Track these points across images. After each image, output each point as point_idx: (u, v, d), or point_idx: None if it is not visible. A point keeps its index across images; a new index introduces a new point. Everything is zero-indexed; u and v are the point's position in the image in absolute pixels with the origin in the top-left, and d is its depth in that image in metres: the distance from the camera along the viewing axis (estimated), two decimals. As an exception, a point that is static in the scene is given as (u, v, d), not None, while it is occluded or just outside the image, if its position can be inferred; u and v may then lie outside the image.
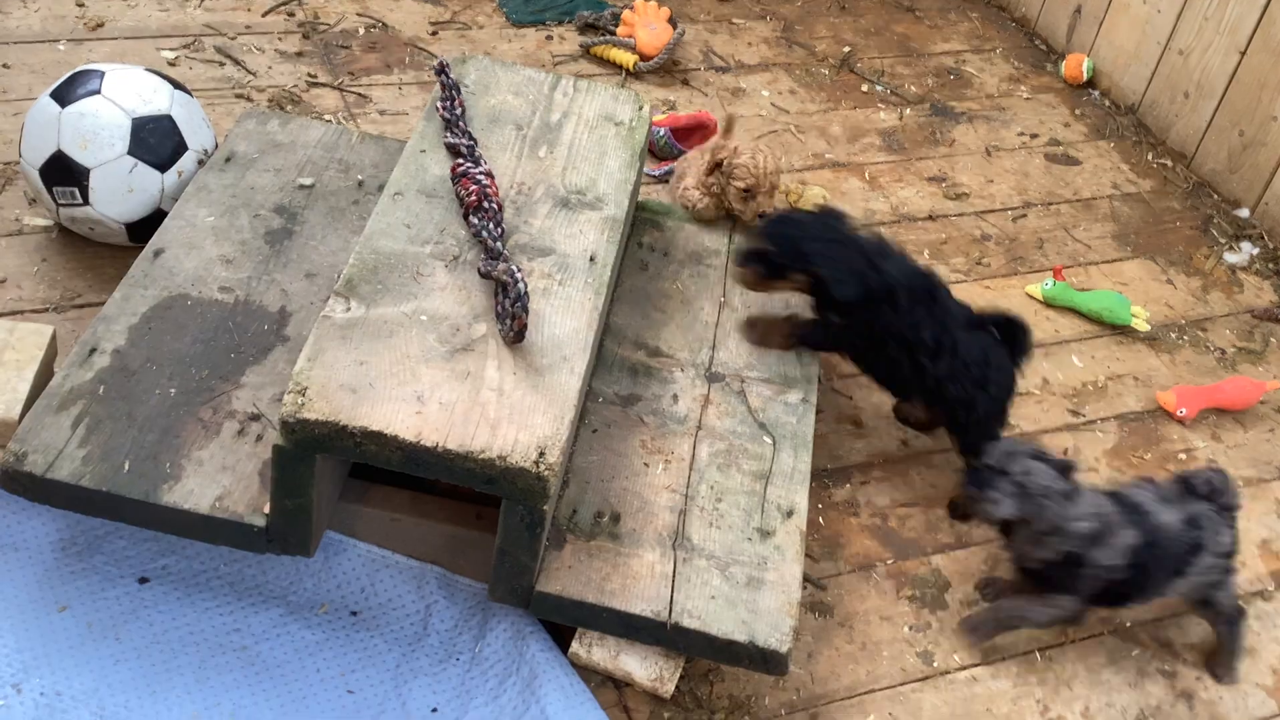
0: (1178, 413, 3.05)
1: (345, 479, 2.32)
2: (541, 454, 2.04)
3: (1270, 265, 3.59)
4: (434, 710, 2.19)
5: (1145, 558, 2.38)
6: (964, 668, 2.49)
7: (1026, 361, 2.72)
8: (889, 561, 2.66)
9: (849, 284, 2.52)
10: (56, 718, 2.03)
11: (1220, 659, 2.58)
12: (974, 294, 3.34)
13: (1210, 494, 2.48)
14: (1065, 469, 2.40)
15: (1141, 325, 3.27)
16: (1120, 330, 3.29)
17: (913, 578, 2.64)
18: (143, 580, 2.25)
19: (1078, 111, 4.17)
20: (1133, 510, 2.40)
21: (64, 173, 2.68)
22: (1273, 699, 2.54)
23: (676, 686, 2.30)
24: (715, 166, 2.88)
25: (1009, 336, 2.69)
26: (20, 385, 2.28)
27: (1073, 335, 3.27)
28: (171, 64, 3.50)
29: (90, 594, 2.21)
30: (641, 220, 2.94)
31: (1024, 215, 3.64)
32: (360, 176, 2.83)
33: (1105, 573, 2.37)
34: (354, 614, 2.29)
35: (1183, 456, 3.00)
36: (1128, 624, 2.62)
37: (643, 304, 2.75)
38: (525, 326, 2.18)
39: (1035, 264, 3.47)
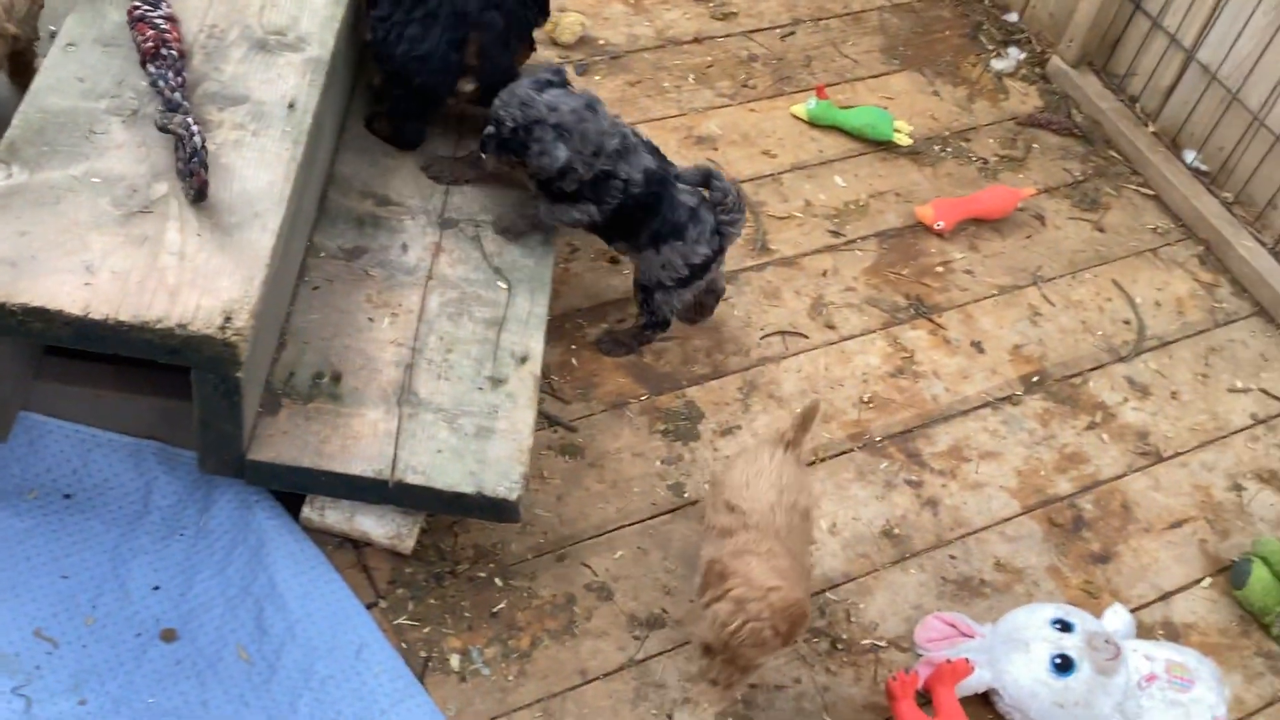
0: (935, 225, 3.06)
1: (39, 357, 2.19)
2: (228, 319, 1.94)
3: (1036, 70, 3.58)
4: (156, 588, 2.12)
5: (657, 188, 2.48)
6: (713, 496, 2.51)
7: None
8: (643, 398, 2.64)
9: None
10: None
11: (617, 338, 2.69)
12: (739, 117, 3.27)
13: (721, 202, 2.54)
14: (562, 79, 2.48)
15: (904, 140, 3.25)
16: (884, 146, 3.26)
17: (666, 411, 2.62)
18: None
19: (853, -80, 4.05)
20: (653, 149, 2.54)
21: None
22: (1015, 500, 2.62)
23: (418, 541, 2.27)
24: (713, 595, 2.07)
25: None
26: None
27: (837, 155, 3.23)
28: None
29: None
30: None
31: (792, 33, 3.55)
32: (53, 28, 2.60)
33: (625, 186, 2.46)
34: (67, 497, 2.19)
35: (940, 269, 3.02)
36: (878, 439, 2.66)
37: (372, 150, 2.62)
38: (206, 184, 2.04)
39: (802, 83, 3.39)
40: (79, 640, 2.02)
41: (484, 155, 2.47)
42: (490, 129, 2.42)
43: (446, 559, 2.30)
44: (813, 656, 2.31)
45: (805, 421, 2.20)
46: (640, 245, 2.56)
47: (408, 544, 2.25)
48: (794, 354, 2.79)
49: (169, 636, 2.06)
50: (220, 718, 1.98)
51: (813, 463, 2.59)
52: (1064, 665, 2.19)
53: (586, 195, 2.47)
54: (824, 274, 2.96)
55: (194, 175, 2.01)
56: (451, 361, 2.31)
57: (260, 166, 2.15)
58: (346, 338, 2.30)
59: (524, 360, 2.35)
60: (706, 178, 2.54)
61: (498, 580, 2.30)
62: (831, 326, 2.86)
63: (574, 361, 2.67)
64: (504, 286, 2.45)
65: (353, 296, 2.36)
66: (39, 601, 2.06)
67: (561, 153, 2.37)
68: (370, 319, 2.34)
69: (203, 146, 2.01)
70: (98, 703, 1.96)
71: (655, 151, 2.55)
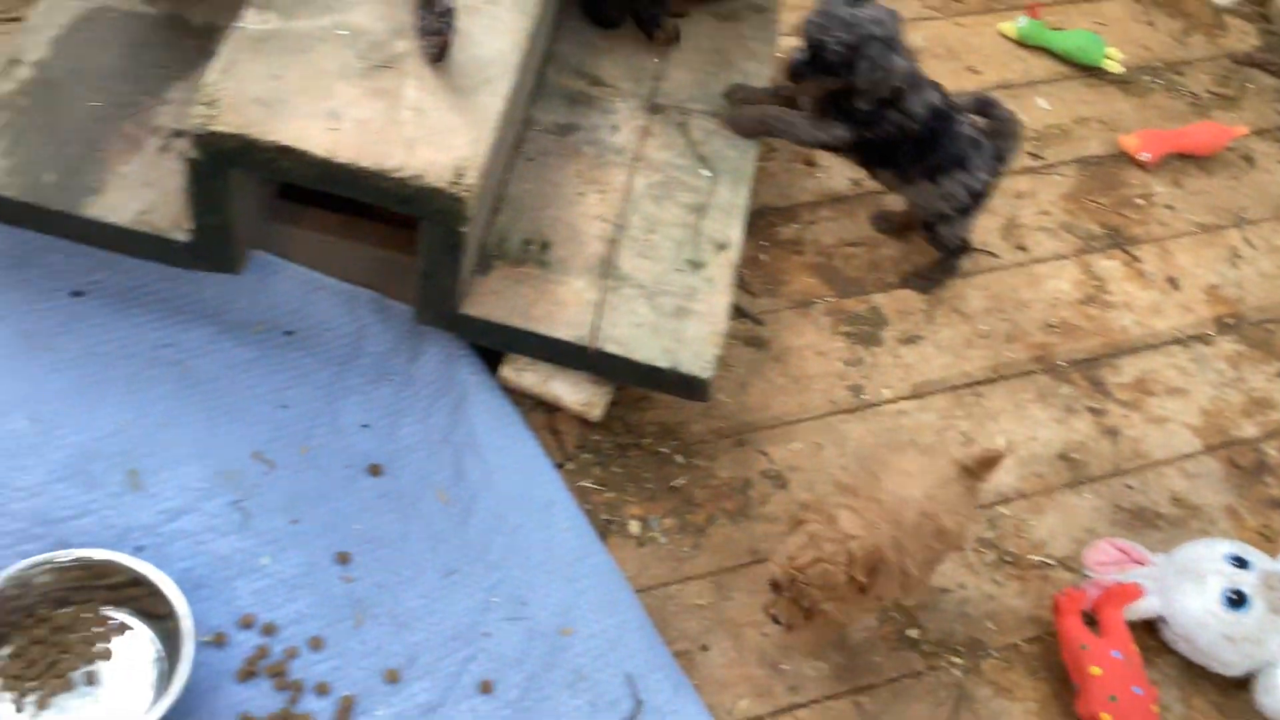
0: (1140, 156, 3.00)
1: (272, 199, 2.31)
2: (459, 175, 2.02)
3: (1258, 9, 3.45)
4: (365, 426, 2.24)
5: (937, 124, 2.44)
6: (892, 400, 2.54)
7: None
8: (829, 299, 2.67)
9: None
10: (-11, 420, 2.09)
11: (922, 274, 2.69)
12: (945, 31, 3.23)
13: (1000, 129, 2.52)
14: None
15: (1114, 67, 3.17)
16: (1092, 72, 3.19)
17: (851, 315, 2.65)
18: (76, 294, 2.27)
19: None
20: (935, 84, 2.48)
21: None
22: (1198, 438, 2.59)
23: (607, 412, 2.36)
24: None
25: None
26: (-58, 97, 2.25)
27: (1043, 76, 3.18)
28: None
29: (24, 305, 2.23)
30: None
31: (1006, -51, 3.48)
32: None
33: (901, 122, 2.41)
34: (288, 334, 2.32)
35: (1140, 201, 2.96)
36: (1061, 364, 2.65)
37: (587, 31, 2.66)
38: (449, 45, 2.12)
39: (1013, 1, 3.33)
40: (294, 466, 2.16)
41: (796, 82, 2.43)
42: (804, 54, 2.36)
43: (632, 431, 2.38)
44: (979, 566, 2.34)
45: (990, 463, 2.08)
46: (910, 178, 2.54)
47: (597, 412, 2.34)
48: (983, 272, 2.78)
49: (376, 471, 2.18)
50: (419, 550, 2.10)
51: (993, 380, 2.60)
52: (1237, 601, 2.18)
53: (857, 117, 2.43)
54: (1019, 195, 2.93)
55: (440, 35, 2.09)
56: (653, 242, 2.37)
57: (492, 34, 2.22)
58: (556, 209, 2.37)
59: (723, 248, 2.40)
60: (984, 106, 2.53)
61: (679, 458, 2.37)
62: (1023, 248, 2.84)
63: (763, 258, 2.70)
64: (707, 174, 2.49)
65: (564, 170, 2.43)
66: (258, 426, 2.20)
67: (901, 63, 2.33)
68: (579, 193, 2.40)
69: (454, 9, 2.09)
70: (309, 524, 2.10)
71: (936, 86, 2.49)
